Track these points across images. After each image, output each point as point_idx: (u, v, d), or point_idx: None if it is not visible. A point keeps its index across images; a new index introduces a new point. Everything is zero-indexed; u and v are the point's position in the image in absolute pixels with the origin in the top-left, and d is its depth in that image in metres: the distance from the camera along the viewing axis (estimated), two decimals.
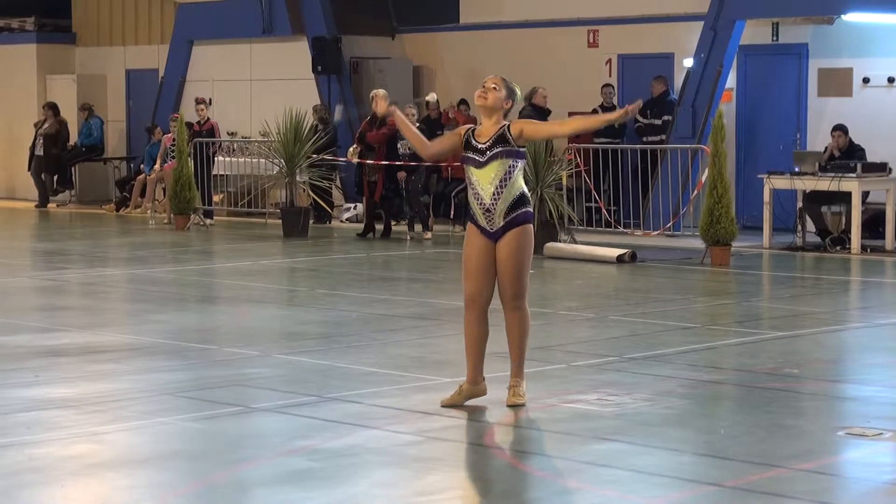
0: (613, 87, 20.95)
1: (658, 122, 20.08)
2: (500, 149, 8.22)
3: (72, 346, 10.65)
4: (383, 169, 19.23)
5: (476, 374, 8.34)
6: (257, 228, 21.04)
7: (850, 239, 17.17)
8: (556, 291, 14.15)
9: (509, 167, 8.21)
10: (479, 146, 8.27)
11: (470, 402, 8.38)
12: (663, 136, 19.96)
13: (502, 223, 8.21)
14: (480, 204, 8.25)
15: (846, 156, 17.62)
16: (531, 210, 8.34)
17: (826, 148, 17.91)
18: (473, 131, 8.37)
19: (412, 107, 20.05)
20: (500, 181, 8.20)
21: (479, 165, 8.24)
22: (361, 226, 19.87)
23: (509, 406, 8.28)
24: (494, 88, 8.29)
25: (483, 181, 8.23)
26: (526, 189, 8.35)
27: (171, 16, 25.94)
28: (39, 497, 6.61)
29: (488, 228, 8.24)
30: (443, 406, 8.28)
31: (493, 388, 8.48)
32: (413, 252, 17.98)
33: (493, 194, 8.20)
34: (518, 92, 8.45)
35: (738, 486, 6.69)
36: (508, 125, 8.30)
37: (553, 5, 21.96)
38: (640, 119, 20.42)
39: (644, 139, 20.22)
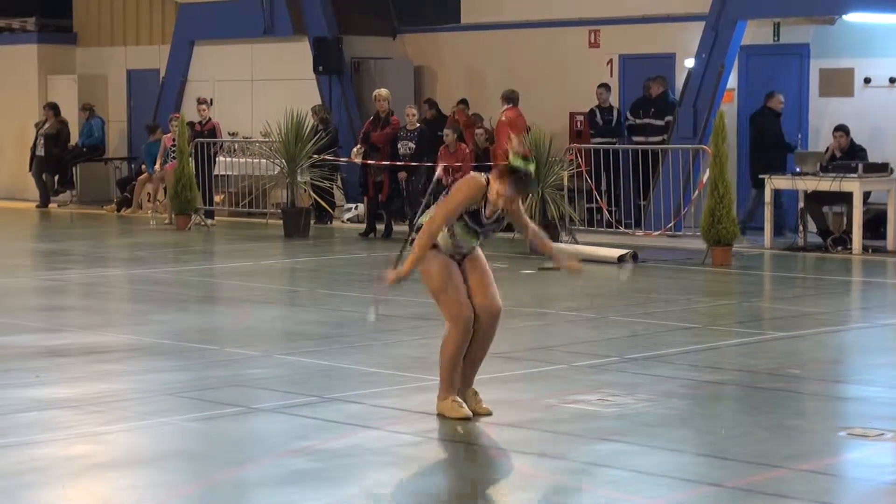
0: (609, 87, 20.89)
1: (661, 122, 20.06)
2: (493, 226, 8.07)
3: (73, 346, 10.65)
4: (387, 169, 19.24)
5: (458, 385, 8.17)
6: (258, 229, 21.04)
7: (851, 239, 17.16)
8: (557, 292, 14.14)
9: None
10: (485, 221, 8.02)
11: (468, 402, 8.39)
12: (664, 137, 19.95)
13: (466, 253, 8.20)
14: (456, 245, 8.06)
15: (848, 156, 17.61)
16: None
17: (828, 148, 17.90)
18: (486, 199, 7.94)
19: (412, 107, 20.05)
20: (483, 237, 8.14)
21: (478, 235, 8.06)
22: (362, 226, 19.88)
23: (484, 414, 8.12)
24: (514, 202, 7.98)
25: (470, 240, 8.09)
26: None
27: (172, 16, 25.94)
28: (40, 497, 6.61)
29: (453, 256, 8.13)
30: (458, 418, 8.00)
31: (494, 389, 8.48)
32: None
33: (474, 245, 8.14)
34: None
35: (739, 486, 6.69)
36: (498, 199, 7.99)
37: (554, 5, 21.95)
38: (631, 118, 20.43)
39: (636, 139, 20.19)
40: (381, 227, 19.49)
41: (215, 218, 21.93)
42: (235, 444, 7.60)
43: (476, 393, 8.27)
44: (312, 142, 20.08)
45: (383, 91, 19.72)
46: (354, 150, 19.57)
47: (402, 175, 19.22)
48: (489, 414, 8.14)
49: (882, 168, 17.46)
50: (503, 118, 19.17)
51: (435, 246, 8.07)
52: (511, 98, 19.28)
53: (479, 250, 8.20)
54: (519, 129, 18.06)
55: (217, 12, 24.54)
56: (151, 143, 23.60)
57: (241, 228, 21.21)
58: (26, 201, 26.19)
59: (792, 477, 6.87)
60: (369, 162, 19.27)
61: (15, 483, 6.76)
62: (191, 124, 21.95)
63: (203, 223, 21.07)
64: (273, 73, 24.21)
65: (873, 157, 17.79)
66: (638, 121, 20.37)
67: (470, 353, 8.17)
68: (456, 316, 8.05)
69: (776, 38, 19.87)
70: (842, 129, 17.82)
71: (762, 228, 17.66)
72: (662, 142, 19.81)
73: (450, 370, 8.13)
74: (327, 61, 22.92)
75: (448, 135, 19.44)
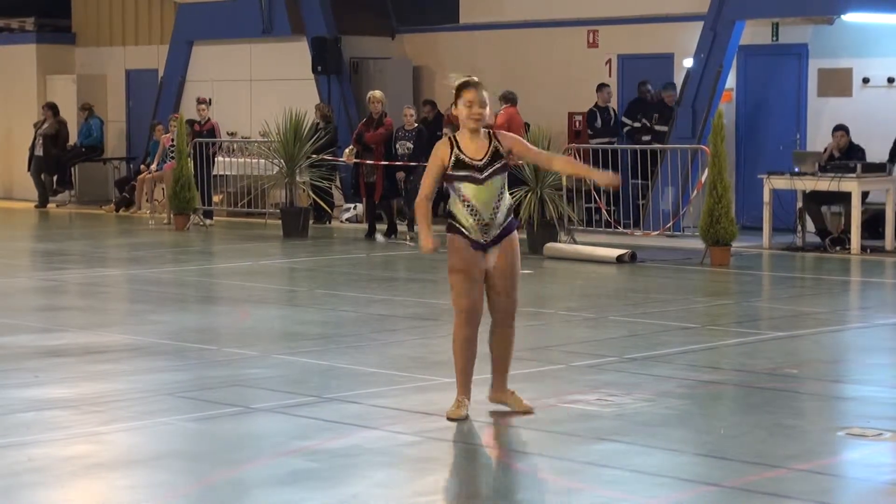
0: (610, 88, 20.93)
1: (665, 128, 20.14)
2: (498, 165, 8.01)
3: (71, 346, 10.65)
4: (381, 169, 19.24)
5: (469, 390, 8.13)
6: (257, 229, 21.04)
7: (849, 239, 17.17)
8: (556, 292, 14.14)
9: (503, 182, 8.08)
10: (476, 163, 7.99)
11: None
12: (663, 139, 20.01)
13: (497, 232, 8.05)
14: (478, 220, 7.98)
15: (847, 156, 17.62)
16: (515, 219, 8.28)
17: (826, 148, 17.91)
18: (458, 147, 8.06)
19: (410, 107, 20.06)
20: (498, 196, 8.03)
21: (479, 182, 7.97)
22: (360, 226, 19.88)
23: (524, 413, 8.16)
24: (483, 105, 8.05)
25: (481, 197, 7.98)
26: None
27: (170, 16, 25.95)
28: (39, 497, 6.61)
29: (483, 241, 8.02)
30: (450, 419, 8.02)
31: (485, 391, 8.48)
32: (412, 252, 17.97)
33: (494, 209, 8.00)
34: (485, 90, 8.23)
35: (738, 486, 6.69)
36: (495, 137, 8.08)
37: (553, 5, 21.96)
38: (628, 120, 20.47)
39: (642, 139, 20.27)
40: (381, 227, 19.48)
41: (214, 218, 21.93)
42: (234, 444, 7.60)
43: (513, 393, 8.25)
44: (311, 141, 20.09)
45: (377, 93, 19.74)
46: (347, 150, 19.56)
47: (401, 175, 19.23)
48: (528, 412, 8.14)
49: (880, 168, 17.47)
50: (501, 111, 19.28)
51: (457, 230, 8.04)
52: (509, 98, 19.33)
53: (505, 248, 8.02)
54: (516, 128, 18.09)
55: (216, 12, 24.56)
56: (155, 142, 23.65)
57: (239, 228, 21.21)
58: (25, 201, 26.21)
59: (790, 477, 6.87)
60: (367, 162, 19.26)
61: (14, 483, 6.76)
62: (190, 123, 21.96)
63: (202, 223, 21.08)
64: (272, 73, 24.22)
65: (871, 156, 17.80)
66: (636, 124, 20.44)
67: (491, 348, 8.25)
68: (455, 304, 8.08)
69: (775, 38, 19.88)
70: (842, 129, 17.83)
71: None
72: (661, 141, 19.84)
73: (457, 365, 8.11)
74: (326, 61, 22.93)
75: (447, 134, 19.39)
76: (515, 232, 8.19)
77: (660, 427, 7.90)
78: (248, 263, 16.40)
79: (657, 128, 20.12)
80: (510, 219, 8.13)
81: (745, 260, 16.57)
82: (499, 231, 8.05)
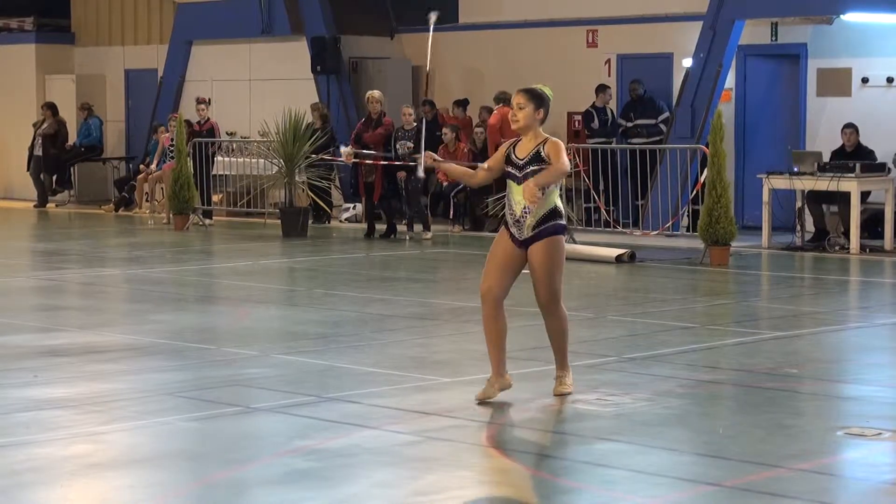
0: (611, 90, 20.92)
1: (652, 121, 20.21)
2: (535, 167, 8.36)
3: (71, 346, 10.65)
4: (380, 169, 19.23)
5: (499, 367, 8.50)
6: (256, 228, 21.04)
7: (848, 238, 17.17)
8: None
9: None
10: (518, 162, 8.44)
11: (466, 401, 8.40)
12: (661, 137, 20.01)
13: (530, 234, 8.40)
14: (511, 214, 8.46)
15: (855, 156, 17.61)
16: (562, 222, 8.49)
17: (844, 145, 17.86)
18: (515, 145, 8.52)
19: (409, 107, 20.05)
20: None
21: (517, 181, 8.41)
22: (359, 225, 19.87)
23: (556, 395, 8.58)
24: (521, 107, 8.44)
25: (517, 195, 8.42)
26: (560, 204, 8.49)
27: (170, 16, 25.94)
28: (38, 497, 6.61)
29: (517, 237, 8.44)
30: (478, 400, 8.44)
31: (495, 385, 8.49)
32: (412, 252, 17.98)
33: (525, 209, 8.37)
34: (548, 94, 8.51)
35: (738, 485, 6.69)
36: (545, 142, 8.42)
37: (552, 5, 21.96)
38: (623, 121, 20.54)
39: (634, 141, 20.29)
40: (381, 226, 19.48)
41: (213, 218, 21.93)
42: (233, 444, 7.60)
43: (558, 377, 8.68)
44: (310, 141, 20.08)
45: (376, 93, 19.75)
46: (346, 150, 19.53)
47: (401, 175, 19.22)
48: (562, 395, 8.57)
49: (879, 168, 17.47)
50: (495, 111, 19.28)
51: (505, 222, 8.56)
52: (503, 99, 19.38)
53: (540, 247, 8.35)
54: (508, 128, 18.12)
55: (215, 12, 24.55)
56: (155, 143, 23.67)
57: (239, 228, 21.21)
58: (24, 201, 26.20)
59: (790, 476, 6.87)
60: (366, 162, 19.25)
61: (13, 482, 6.76)
62: (188, 123, 21.96)
63: (201, 223, 21.07)
64: (271, 73, 24.21)
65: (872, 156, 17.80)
66: (629, 123, 20.48)
67: None
68: (481, 289, 8.53)
69: (774, 38, 19.88)
70: (851, 127, 17.86)
71: None
72: (660, 141, 19.86)
73: (487, 346, 8.57)
74: (325, 61, 22.93)
75: (447, 134, 19.45)
76: (557, 237, 8.43)
77: (659, 427, 7.91)
78: (247, 263, 16.40)
79: (638, 122, 20.20)
80: (550, 223, 8.40)
81: (745, 259, 16.58)
82: (531, 233, 8.39)
